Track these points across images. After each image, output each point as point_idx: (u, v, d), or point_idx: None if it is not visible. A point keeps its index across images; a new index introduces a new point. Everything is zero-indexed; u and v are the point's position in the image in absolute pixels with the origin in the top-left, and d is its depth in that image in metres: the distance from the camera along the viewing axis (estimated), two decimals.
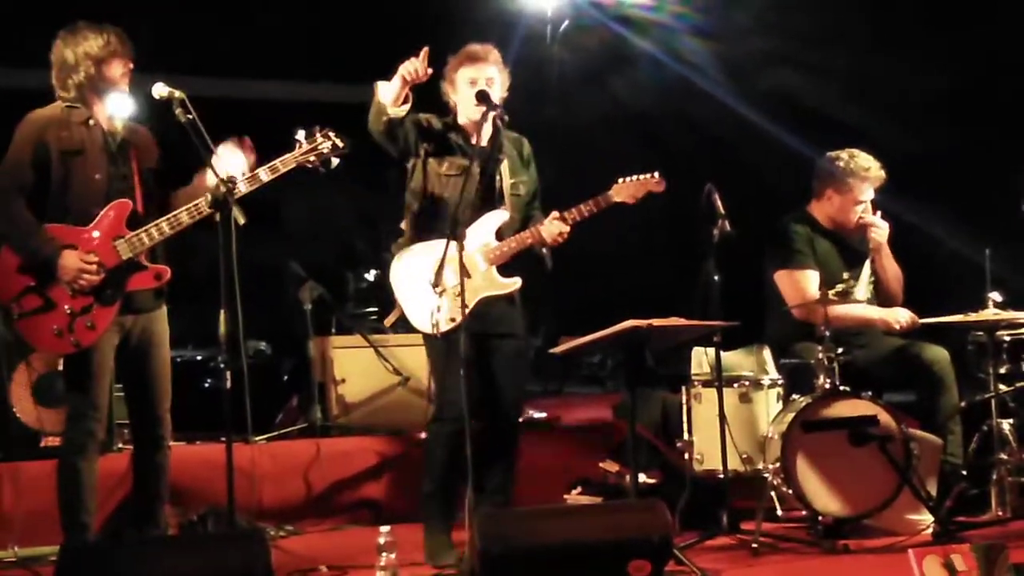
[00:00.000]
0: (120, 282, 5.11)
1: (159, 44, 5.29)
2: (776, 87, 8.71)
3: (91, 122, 5.15)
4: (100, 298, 5.07)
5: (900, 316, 6.23)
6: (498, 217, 5.49)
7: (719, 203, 5.74)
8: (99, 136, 5.16)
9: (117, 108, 5.21)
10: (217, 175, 4.94)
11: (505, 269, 5.52)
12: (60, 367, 5.12)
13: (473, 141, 5.43)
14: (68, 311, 5.02)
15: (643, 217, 9.26)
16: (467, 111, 5.49)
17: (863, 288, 6.29)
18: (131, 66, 5.20)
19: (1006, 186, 6.91)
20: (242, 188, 5.04)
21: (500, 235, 5.48)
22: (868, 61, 8.38)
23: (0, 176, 5.08)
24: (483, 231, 5.47)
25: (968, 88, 8.09)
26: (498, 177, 5.51)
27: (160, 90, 5.05)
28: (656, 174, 5.56)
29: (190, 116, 4.96)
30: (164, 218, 5.11)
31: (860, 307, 6.17)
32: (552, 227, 5.48)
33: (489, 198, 5.49)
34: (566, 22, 9.36)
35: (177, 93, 5.01)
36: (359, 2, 9.12)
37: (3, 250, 5.06)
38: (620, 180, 5.56)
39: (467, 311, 5.14)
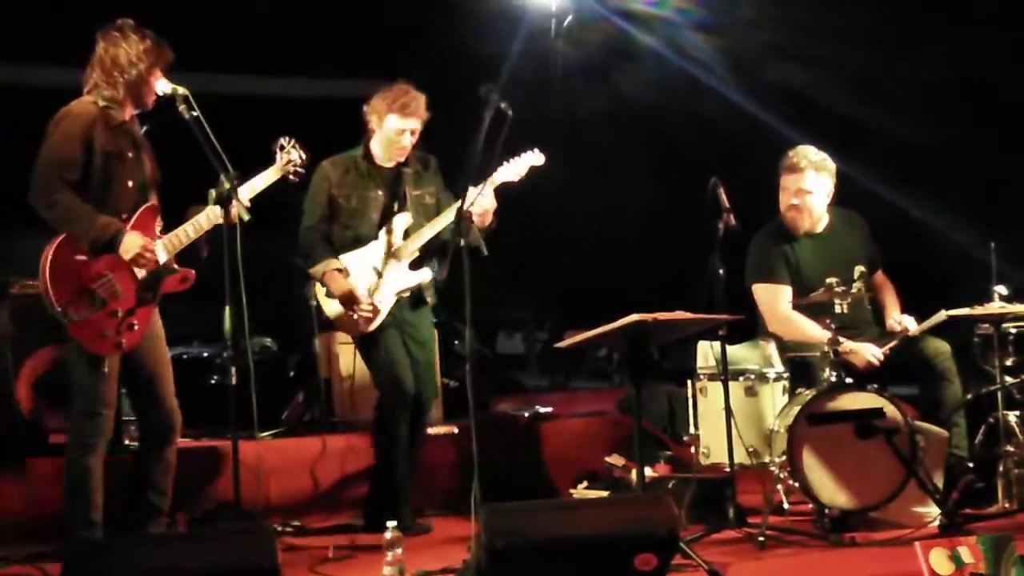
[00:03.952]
0: (157, 283, 5.18)
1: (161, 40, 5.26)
2: (780, 81, 8.69)
3: (124, 126, 5.16)
4: (141, 300, 5.12)
5: (867, 353, 6.08)
6: (403, 220, 6.01)
7: (724, 197, 5.75)
8: (130, 141, 5.18)
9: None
10: (223, 173, 4.94)
11: (416, 266, 6.03)
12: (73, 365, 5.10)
13: (380, 163, 6.05)
14: (116, 313, 5.04)
15: (648, 211, 9.34)
16: (385, 151, 6.02)
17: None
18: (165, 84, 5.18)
19: (1011, 179, 6.92)
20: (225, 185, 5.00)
21: (406, 236, 6.00)
22: (873, 54, 8.37)
23: (49, 168, 5.01)
24: (393, 234, 6.00)
25: (974, 81, 8.08)
26: (402, 188, 6.03)
27: (164, 87, 5.05)
28: (535, 149, 5.98)
29: (194, 113, 4.97)
30: (188, 223, 5.18)
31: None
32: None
33: (401, 206, 6.03)
34: (570, 17, 9.35)
35: (181, 90, 5.02)
36: None
37: (52, 257, 4.98)
38: (504, 162, 5.88)
39: (388, 306, 5.93)
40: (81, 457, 5.10)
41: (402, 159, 6.04)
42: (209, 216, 5.15)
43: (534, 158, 6.00)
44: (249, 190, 5.26)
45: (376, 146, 6.05)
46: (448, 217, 5.87)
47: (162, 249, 5.15)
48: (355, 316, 5.92)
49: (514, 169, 5.95)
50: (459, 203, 5.42)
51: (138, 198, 5.18)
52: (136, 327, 5.11)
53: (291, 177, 5.50)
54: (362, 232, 6.00)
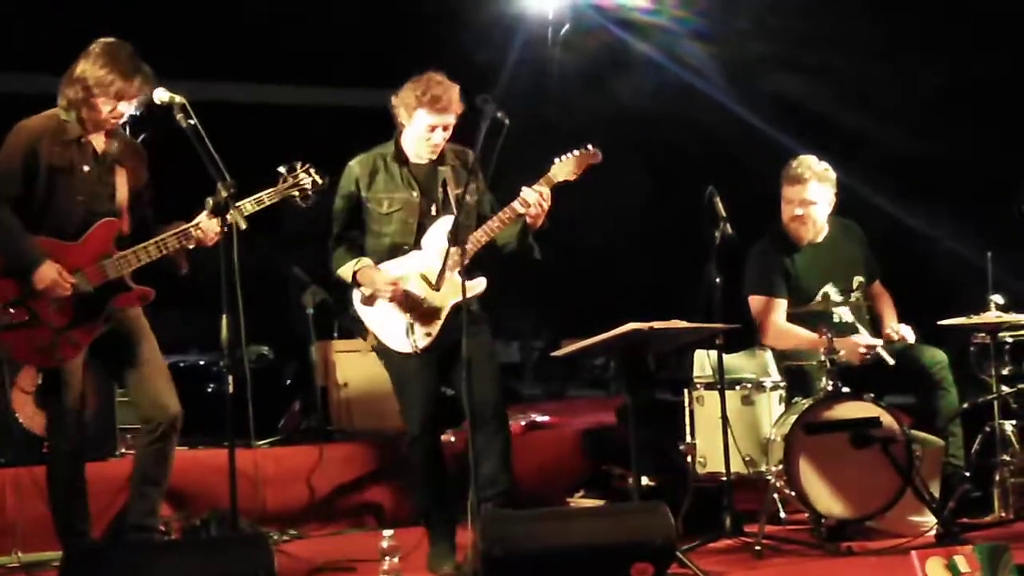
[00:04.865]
0: (104, 300, 5.12)
1: (160, 47, 5.25)
2: (777, 90, 8.71)
3: (82, 140, 5.13)
4: (85, 316, 5.07)
5: (861, 341, 6.06)
6: (448, 224, 5.39)
7: (720, 206, 5.75)
8: (88, 155, 5.14)
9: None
10: (220, 182, 4.93)
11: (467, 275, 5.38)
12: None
13: (414, 161, 5.52)
14: (53, 327, 5.02)
15: (645, 219, 9.35)
16: (416, 148, 5.51)
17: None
18: (129, 111, 5.13)
19: (1008, 189, 6.92)
20: (223, 193, 4.95)
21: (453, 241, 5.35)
22: (869, 64, 8.38)
23: None
24: (438, 239, 5.44)
25: (969, 90, 8.09)
26: (441, 189, 5.50)
27: (161, 95, 5.04)
28: (590, 146, 5.52)
29: (191, 121, 4.95)
30: (152, 241, 5.12)
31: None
32: (512, 208, 5.42)
33: (441, 208, 5.50)
34: (567, 25, 9.37)
35: (178, 98, 4.99)
36: (359, 4, 9.12)
37: None
38: (557, 159, 5.51)
39: (441, 321, 5.39)
40: (59, 467, 5.14)
41: (435, 157, 5.51)
42: (181, 238, 5.10)
43: (590, 156, 5.51)
44: (254, 203, 5.17)
45: (407, 142, 5.53)
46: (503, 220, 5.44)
47: (112, 267, 5.08)
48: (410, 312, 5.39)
49: (568, 168, 5.48)
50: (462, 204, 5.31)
51: (91, 213, 5.12)
52: (77, 342, 5.06)
53: (299, 201, 5.31)
54: (398, 240, 5.48)
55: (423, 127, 5.44)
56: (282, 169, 5.29)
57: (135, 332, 5.26)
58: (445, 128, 5.46)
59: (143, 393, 5.25)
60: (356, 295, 5.54)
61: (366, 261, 5.47)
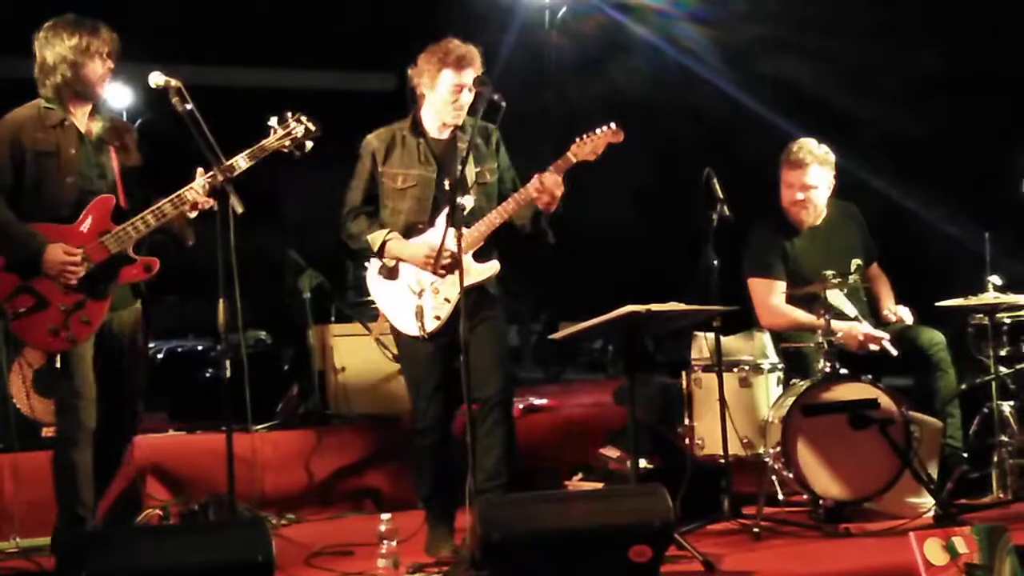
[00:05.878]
0: (111, 276, 5.11)
1: (156, 32, 5.24)
2: (774, 73, 8.70)
3: (65, 123, 5.13)
4: (92, 293, 5.06)
5: (859, 330, 6.06)
6: (465, 203, 5.28)
7: (717, 188, 5.74)
8: (73, 137, 5.14)
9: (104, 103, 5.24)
10: (215, 164, 4.92)
11: (482, 256, 5.40)
12: (55, 361, 5.09)
13: (433, 135, 5.43)
14: (62, 308, 5.01)
15: (642, 202, 9.35)
16: (441, 113, 5.40)
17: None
18: (111, 65, 5.15)
19: (1006, 169, 6.92)
20: (219, 177, 4.96)
21: (468, 223, 5.25)
22: (866, 46, 8.37)
23: None
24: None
25: (967, 71, 8.09)
26: (460, 165, 5.27)
27: (157, 79, 5.02)
28: (613, 124, 5.40)
29: (188, 105, 4.94)
30: (148, 210, 5.09)
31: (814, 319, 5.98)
32: (527, 191, 5.33)
33: (459, 186, 5.24)
34: (564, 8, 9.35)
35: (174, 82, 4.98)
36: None
37: None
38: (578, 139, 5.41)
39: (453, 305, 5.25)
40: (63, 451, 5.12)
41: (459, 122, 5.39)
42: (176, 203, 5.06)
43: (612, 135, 5.39)
44: (247, 159, 5.09)
45: (428, 114, 5.41)
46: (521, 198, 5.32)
47: (112, 242, 5.07)
48: (439, 268, 5.20)
49: (590, 147, 5.37)
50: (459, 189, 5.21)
51: (84, 193, 5.11)
52: (89, 321, 5.05)
53: (293, 152, 5.17)
54: (413, 218, 5.38)
55: (449, 89, 5.33)
56: (272, 121, 5.17)
57: (133, 336, 5.26)
58: (470, 89, 5.33)
59: (122, 394, 5.27)
60: (373, 266, 5.49)
61: (396, 233, 5.38)
